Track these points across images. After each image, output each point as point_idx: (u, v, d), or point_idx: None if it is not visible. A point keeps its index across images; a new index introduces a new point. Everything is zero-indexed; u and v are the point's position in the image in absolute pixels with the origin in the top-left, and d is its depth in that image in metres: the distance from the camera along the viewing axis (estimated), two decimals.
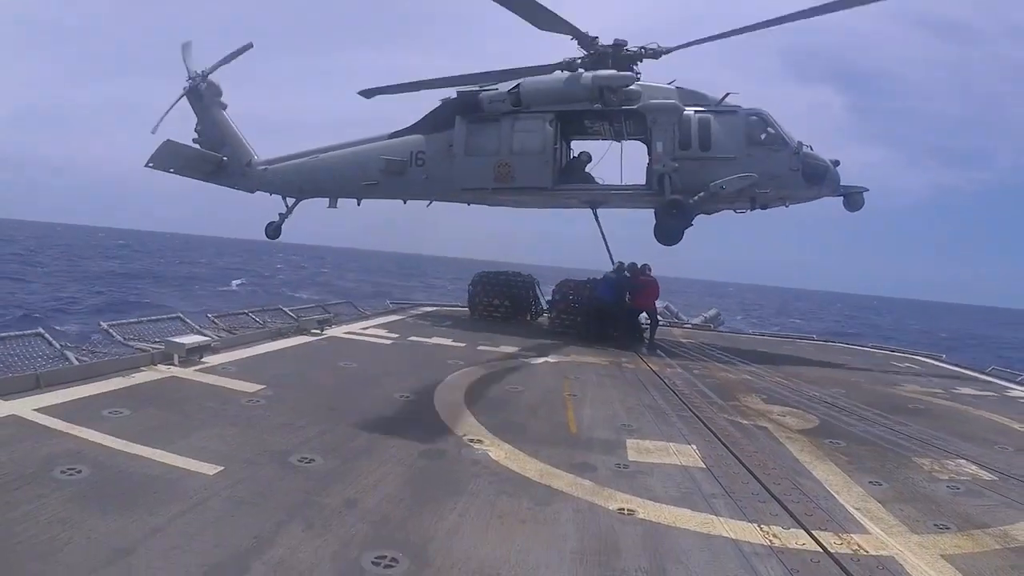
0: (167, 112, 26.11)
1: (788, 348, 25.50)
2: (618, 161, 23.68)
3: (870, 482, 9.14)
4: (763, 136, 21.01)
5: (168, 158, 25.42)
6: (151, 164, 24.88)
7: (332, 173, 25.18)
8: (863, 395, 16.07)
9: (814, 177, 20.98)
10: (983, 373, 22.24)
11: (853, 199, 21.85)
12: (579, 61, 21.68)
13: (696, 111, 21.48)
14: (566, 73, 21.44)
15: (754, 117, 21.22)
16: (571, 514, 7.23)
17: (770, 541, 6.90)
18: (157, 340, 14.08)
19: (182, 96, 26.59)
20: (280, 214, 26.51)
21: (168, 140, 24.98)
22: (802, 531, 7.20)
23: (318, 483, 7.52)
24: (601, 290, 22.94)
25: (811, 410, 13.72)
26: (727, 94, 21.65)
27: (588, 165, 24.30)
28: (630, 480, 8.47)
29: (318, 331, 18.28)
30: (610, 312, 22.55)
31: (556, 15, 19.96)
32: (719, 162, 20.87)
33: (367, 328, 20.56)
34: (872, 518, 7.78)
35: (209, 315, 17.81)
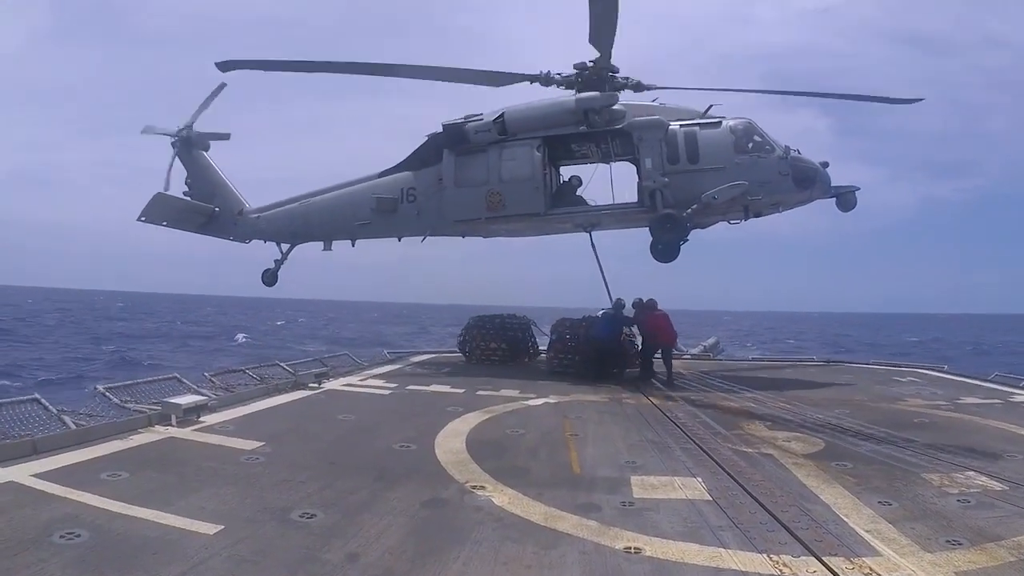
0: (168, 173, 26.05)
1: (789, 372, 25.42)
2: (608, 183, 23.72)
3: (879, 502, 9.05)
4: (750, 144, 21.05)
5: (160, 211, 25.35)
6: (143, 218, 24.88)
7: (324, 216, 25.05)
8: (867, 413, 15.99)
9: (804, 180, 21.02)
10: (987, 381, 22.21)
11: (845, 199, 21.90)
12: (562, 86, 22.12)
13: (682, 125, 21.56)
14: (548, 100, 21.88)
15: (740, 126, 21.28)
16: (577, 556, 7.13)
17: (780, 571, 6.80)
18: (154, 401, 14.02)
19: (175, 156, 26.33)
20: (276, 261, 26.35)
21: (159, 193, 25.02)
22: (813, 558, 7.11)
23: (319, 539, 7.42)
24: (598, 329, 22.78)
25: (816, 433, 13.63)
26: (710, 106, 21.79)
27: (579, 189, 24.25)
28: (636, 518, 8.37)
29: (316, 385, 18.14)
30: (608, 350, 22.46)
31: (506, 73, 21.19)
32: (709, 173, 20.90)
33: (365, 379, 20.45)
34: (883, 539, 7.69)
35: (206, 373, 17.73)
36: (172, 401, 13.28)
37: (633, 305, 22.93)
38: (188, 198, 26.42)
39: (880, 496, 9.34)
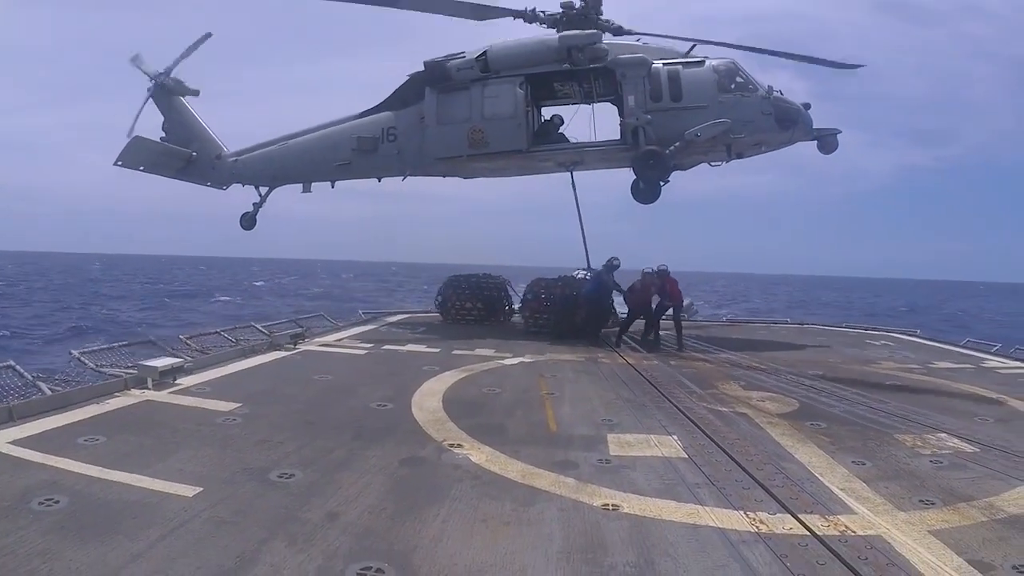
0: (137, 116, 25.55)
1: (763, 333, 25.66)
2: (590, 126, 23.60)
3: (853, 462, 9.16)
4: (732, 84, 21.26)
5: (137, 155, 25.09)
6: (120, 162, 24.68)
7: (303, 157, 24.93)
8: (841, 375, 16.19)
9: (786, 120, 21.23)
10: (958, 346, 22.45)
11: (826, 141, 21.97)
12: (544, 23, 22.34)
13: (665, 64, 21.67)
14: (532, 37, 22.05)
15: (723, 66, 21.47)
16: (555, 513, 7.17)
17: (757, 528, 6.87)
18: (130, 365, 13.94)
19: (148, 98, 25.98)
20: (254, 204, 26.22)
21: (136, 136, 24.74)
22: (788, 515, 7.18)
23: (299, 498, 7.42)
24: (589, 289, 22.60)
25: (790, 394, 13.78)
26: (693, 45, 21.97)
27: (561, 128, 24.28)
28: (613, 475, 8.42)
29: (292, 346, 18.10)
30: (599, 313, 22.51)
31: (491, 6, 21.36)
32: (691, 111, 21.10)
33: (341, 340, 20.45)
34: (858, 498, 7.78)
35: (181, 336, 17.59)
36: (147, 364, 13.14)
37: (643, 273, 22.19)
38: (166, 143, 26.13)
39: (854, 456, 9.45)
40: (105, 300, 79.13)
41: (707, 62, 21.58)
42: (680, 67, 21.57)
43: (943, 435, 10.82)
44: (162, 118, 26.25)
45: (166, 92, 26.03)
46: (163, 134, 26.20)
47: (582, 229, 25.63)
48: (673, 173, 23.32)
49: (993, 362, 19.35)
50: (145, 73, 26.01)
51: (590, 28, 21.75)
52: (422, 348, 19.09)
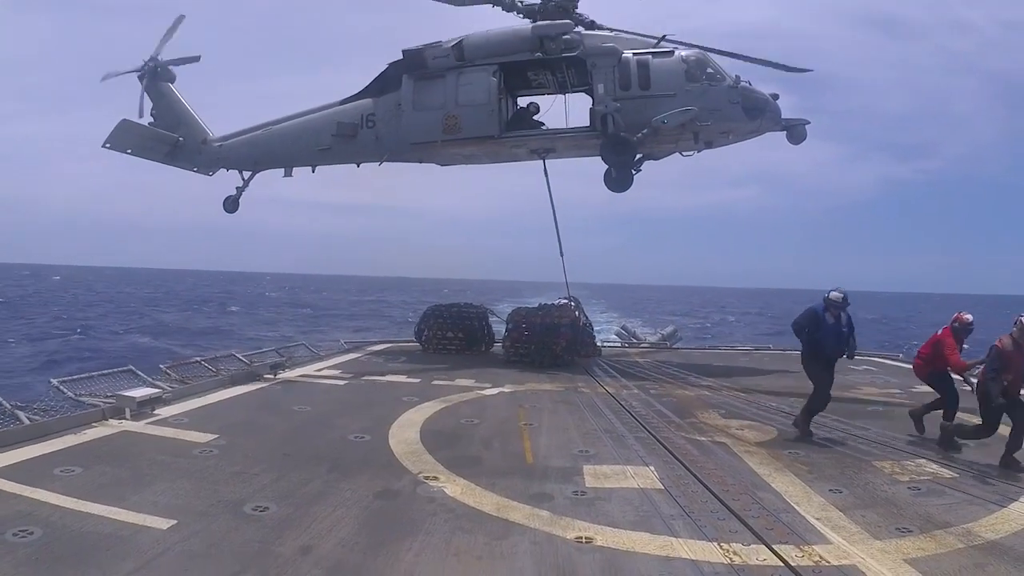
0: (119, 73, 26.36)
1: (744, 360, 25.59)
2: (564, 117, 24.12)
3: (830, 490, 9.19)
4: (700, 74, 21.60)
5: (124, 138, 25.40)
6: (108, 144, 24.93)
7: (286, 142, 25.29)
8: None
9: (754, 110, 21.55)
10: None
11: (795, 131, 22.39)
12: (520, 23, 22.75)
13: (635, 54, 22.01)
14: (507, 27, 22.53)
15: (691, 56, 21.84)
16: (528, 546, 7.17)
17: (730, 559, 6.88)
18: (109, 395, 13.87)
19: (133, 72, 26.46)
20: (237, 188, 26.53)
21: (124, 120, 25.09)
22: (763, 546, 7.20)
23: (272, 531, 7.41)
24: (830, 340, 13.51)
25: (769, 421, 13.83)
26: (663, 36, 22.32)
27: (535, 116, 24.67)
28: (588, 507, 8.42)
29: (271, 376, 18.01)
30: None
31: None
32: (659, 100, 21.46)
33: (321, 370, 20.30)
34: (833, 527, 7.81)
35: (161, 365, 17.52)
36: (125, 394, 13.12)
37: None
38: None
39: (831, 484, 9.48)
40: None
41: (676, 52, 22.00)
42: (649, 57, 21.98)
43: (922, 461, 10.91)
44: (151, 105, 26.60)
45: (155, 77, 26.48)
46: (151, 119, 26.54)
47: (556, 221, 25.88)
48: (647, 163, 24.41)
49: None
50: (128, 73, 26.48)
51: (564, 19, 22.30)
52: (402, 379, 18.96)
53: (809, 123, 22.73)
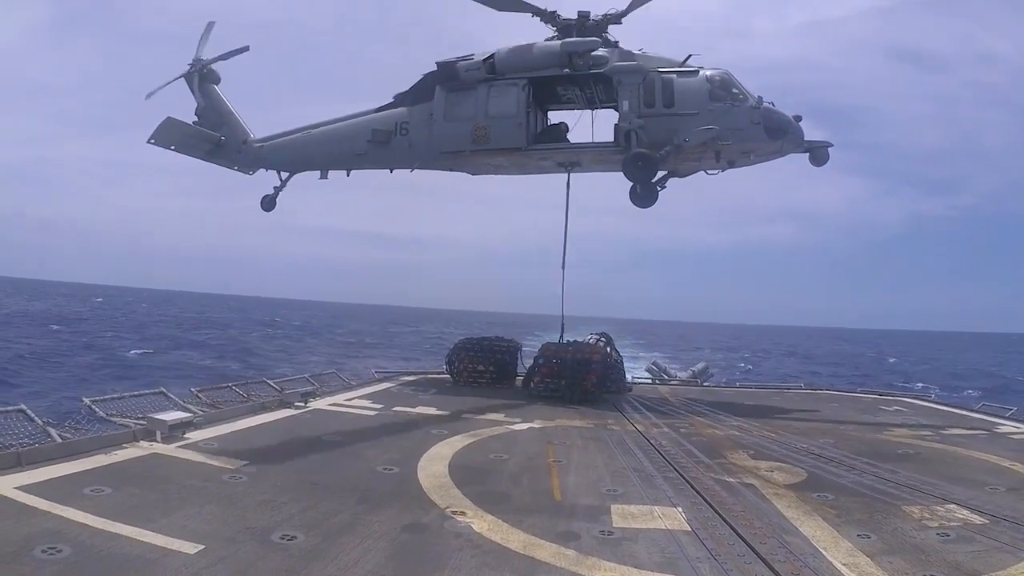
0: (165, 84, 27.58)
1: (776, 399, 25.41)
2: (590, 130, 25.00)
3: (858, 535, 9.09)
4: (724, 93, 22.02)
5: (169, 134, 26.47)
6: (153, 140, 26.04)
7: (323, 146, 26.31)
8: (851, 444, 16.00)
9: (776, 130, 21.89)
10: (972, 410, 22.31)
11: (818, 154, 22.67)
12: (553, 36, 23.33)
13: (660, 72, 22.59)
14: (537, 43, 23.03)
15: (716, 76, 22.29)
16: None
17: None
18: (140, 416, 13.99)
19: (179, 77, 27.83)
20: (275, 188, 27.77)
21: (169, 117, 26.13)
22: None
23: (299, 561, 7.44)
24: None
25: (799, 463, 13.63)
26: (689, 56, 22.79)
27: (567, 134, 25.51)
28: (614, 548, 8.39)
29: (302, 404, 18.06)
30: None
31: None
32: (682, 118, 22.01)
33: (352, 399, 20.33)
34: (860, 573, 7.74)
35: (192, 389, 17.66)
36: (157, 417, 13.23)
37: None
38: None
39: (860, 529, 9.37)
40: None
41: (701, 72, 22.44)
42: (674, 76, 22.48)
43: (952, 506, 10.71)
44: (195, 104, 27.86)
45: (203, 79, 27.85)
46: (196, 118, 27.76)
47: (565, 232, 26.09)
48: (672, 180, 24.62)
49: (1007, 427, 19.19)
50: (169, 83, 27.84)
51: (590, 36, 22.91)
52: (432, 411, 18.97)
53: (831, 145, 23.05)
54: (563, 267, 25.97)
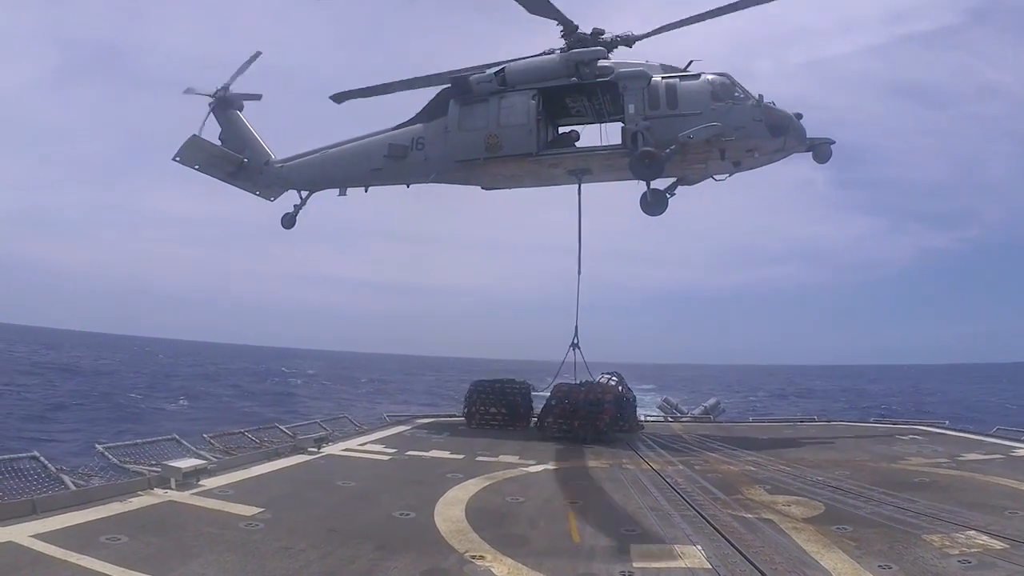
0: (202, 126, 28.04)
1: (789, 432, 25.34)
2: (600, 140, 25.55)
3: (880, 566, 9.05)
4: (725, 93, 22.90)
5: (193, 154, 27.26)
6: (178, 158, 26.74)
7: (341, 163, 27.15)
8: (868, 474, 15.96)
9: (777, 127, 22.65)
10: (988, 435, 22.24)
11: (820, 150, 23.66)
12: (559, 50, 24.06)
13: (663, 77, 23.48)
14: (545, 56, 24.20)
15: (716, 78, 23.09)
16: None
17: None
18: (153, 463, 14.04)
19: (210, 113, 28.45)
20: (295, 206, 28.49)
21: (194, 135, 27.00)
22: None
23: None
24: None
25: (816, 496, 13.58)
26: (691, 62, 23.64)
27: (576, 142, 26.15)
28: None
29: (315, 449, 18.04)
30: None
31: (547, 1, 22.42)
32: (686, 118, 22.70)
33: (364, 444, 20.30)
34: None
35: (205, 435, 17.71)
36: (172, 464, 13.25)
37: None
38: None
39: (881, 560, 9.32)
40: None
41: (702, 75, 23.22)
42: (677, 80, 23.34)
43: (972, 532, 10.68)
44: (220, 129, 28.68)
45: (225, 105, 28.62)
46: (219, 142, 28.52)
47: (580, 239, 26.98)
48: (681, 188, 25.43)
49: (1023, 450, 19.12)
50: (201, 95, 28.52)
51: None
52: (446, 454, 18.94)
53: (834, 142, 23.90)
54: (579, 272, 26.76)
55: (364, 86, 26.90)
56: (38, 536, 9.30)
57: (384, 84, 26.50)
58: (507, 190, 27.00)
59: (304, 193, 28.34)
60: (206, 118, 28.27)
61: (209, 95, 28.44)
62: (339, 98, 27.04)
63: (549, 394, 24.85)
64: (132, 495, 12.09)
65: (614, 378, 25.69)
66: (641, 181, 23.90)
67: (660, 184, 24.80)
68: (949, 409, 61.89)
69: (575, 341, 26.42)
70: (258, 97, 29.52)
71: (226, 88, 28.55)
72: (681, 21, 23.28)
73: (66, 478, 12.15)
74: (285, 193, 28.70)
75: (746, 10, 22.98)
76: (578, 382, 24.86)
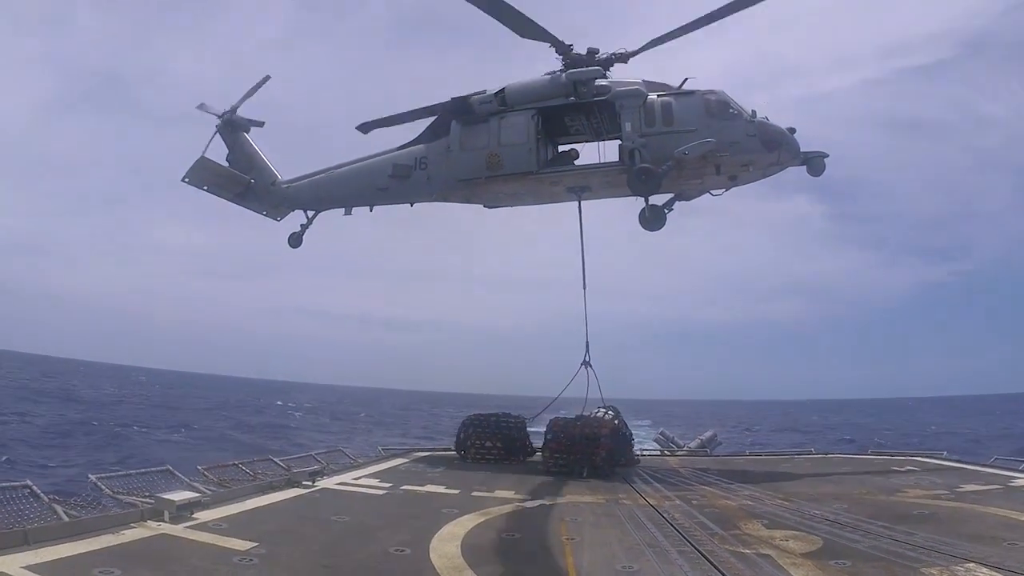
0: (207, 147, 28.30)
1: (786, 466, 25.26)
2: (599, 159, 25.96)
3: None
4: (719, 110, 23.33)
5: (201, 174, 27.87)
6: (186, 179, 27.31)
7: (347, 183, 27.72)
8: (866, 507, 15.86)
9: (771, 142, 23.12)
10: (986, 465, 22.22)
11: (814, 164, 23.77)
12: (556, 72, 24.41)
13: (659, 95, 23.99)
14: (544, 76, 24.70)
15: (710, 95, 23.65)
16: None
17: None
18: (147, 495, 14.03)
19: (216, 134, 28.87)
20: (301, 225, 29.03)
21: (203, 156, 27.59)
22: None
23: None
24: None
25: (814, 531, 13.50)
26: (685, 79, 24.08)
27: (576, 160, 26.55)
28: None
29: (310, 483, 17.96)
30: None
31: (537, 24, 22.95)
32: (681, 135, 23.13)
33: (359, 478, 20.17)
34: None
35: (199, 467, 17.61)
36: (165, 497, 13.18)
37: None
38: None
39: None
40: None
41: (697, 93, 23.68)
42: (672, 97, 23.89)
43: (971, 565, 10.65)
44: (227, 151, 29.15)
45: (232, 128, 29.12)
46: (226, 163, 29.03)
47: (583, 260, 27.44)
48: (679, 204, 25.97)
49: (1021, 480, 19.08)
50: (211, 113, 29.02)
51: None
52: (441, 489, 18.83)
53: (827, 156, 24.06)
54: (583, 286, 27.34)
55: (382, 116, 27.48)
56: (30, 567, 9.25)
57: (402, 113, 27.19)
58: (509, 208, 27.60)
59: (310, 213, 28.81)
60: (212, 138, 28.64)
61: (217, 115, 28.86)
62: (365, 128, 27.55)
63: (544, 428, 24.75)
64: (125, 527, 12.03)
65: (610, 411, 25.66)
66: (639, 197, 24.31)
67: (658, 200, 25.36)
68: (947, 441, 61.70)
69: (587, 358, 26.46)
70: (261, 124, 29.91)
71: (233, 110, 28.94)
72: (671, 32, 23.65)
73: (59, 508, 12.09)
74: (291, 213, 29.15)
75: (742, 46, 23.26)
76: (574, 416, 24.77)
